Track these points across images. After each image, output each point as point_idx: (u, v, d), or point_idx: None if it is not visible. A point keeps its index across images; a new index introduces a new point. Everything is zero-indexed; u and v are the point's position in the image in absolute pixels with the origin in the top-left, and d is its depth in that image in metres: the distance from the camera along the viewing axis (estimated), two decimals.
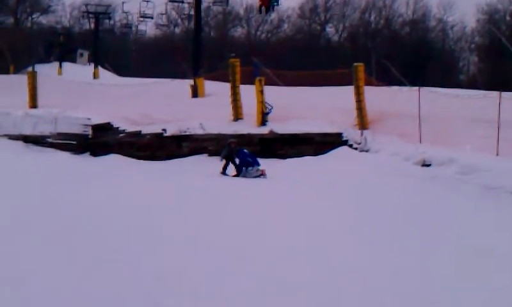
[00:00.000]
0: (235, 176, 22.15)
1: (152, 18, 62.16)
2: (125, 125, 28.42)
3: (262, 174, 21.82)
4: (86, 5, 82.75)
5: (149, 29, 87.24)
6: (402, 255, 11.24)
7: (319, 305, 8.67)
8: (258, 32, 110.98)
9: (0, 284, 8.86)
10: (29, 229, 12.12)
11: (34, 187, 17.48)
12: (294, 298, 8.84)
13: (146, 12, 59.78)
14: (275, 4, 35.32)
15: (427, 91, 27.18)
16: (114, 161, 25.51)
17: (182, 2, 52.90)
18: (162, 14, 63.42)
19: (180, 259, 10.50)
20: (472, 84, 69.95)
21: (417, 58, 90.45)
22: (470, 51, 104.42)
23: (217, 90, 35.90)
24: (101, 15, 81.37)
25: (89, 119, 28.00)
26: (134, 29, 74.53)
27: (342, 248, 11.57)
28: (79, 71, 70.72)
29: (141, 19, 62.09)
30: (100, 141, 27.46)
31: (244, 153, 22.58)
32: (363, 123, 27.64)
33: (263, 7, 35.61)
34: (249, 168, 22.09)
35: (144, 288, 8.95)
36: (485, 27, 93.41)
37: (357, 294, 9.10)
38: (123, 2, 64.67)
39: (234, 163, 22.48)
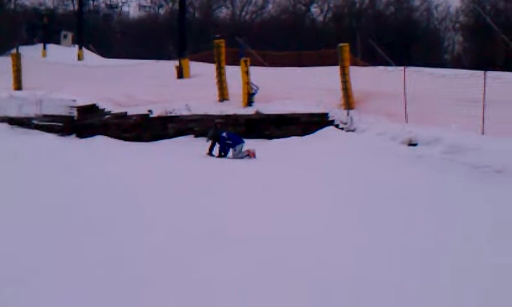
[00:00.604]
0: (219, 157, 22.19)
1: (116, 7, 61.63)
2: (111, 106, 28.36)
3: (251, 155, 21.83)
4: None
5: (132, 10, 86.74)
6: (389, 234, 11.30)
7: (311, 282, 8.73)
8: (243, 13, 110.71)
9: None
10: (15, 209, 12.12)
11: (22, 167, 17.49)
12: (288, 279, 8.89)
13: None
14: None
15: (412, 70, 27.21)
16: (100, 142, 25.42)
17: None
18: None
19: (163, 240, 10.52)
20: (456, 64, 70.14)
21: (402, 38, 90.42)
22: (455, 31, 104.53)
23: (202, 71, 35.81)
24: None
25: (74, 100, 27.90)
26: (118, 10, 74.19)
27: (333, 226, 11.63)
28: (63, 53, 70.30)
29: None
30: (86, 122, 27.35)
31: (222, 137, 22.52)
32: (348, 103, 27.64)
33: None
34: (236, 148, 22.11)
35: (129, 267, 8.97)
36: (469, 6, 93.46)
37: (351, 271, 9.16)
38: None
39: (220, 143, 22.52)
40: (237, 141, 22.38)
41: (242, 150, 22.16)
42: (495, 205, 14.34)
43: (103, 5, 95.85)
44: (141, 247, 10.08)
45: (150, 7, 70.66)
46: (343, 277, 8.95)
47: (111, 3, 67.09)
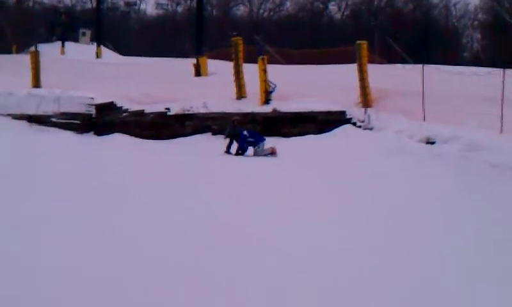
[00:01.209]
0: (236, 154, 22.18)
1: (135, 4, 61.78)
2: (128, 104, 28.40)
3: (273, 153, 21.86)
4: None
5: (150, 8, 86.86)
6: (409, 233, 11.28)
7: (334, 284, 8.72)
8: (261, 11, 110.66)
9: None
10: (35, 205, 12.17)
11: (40, 165, 17.55)
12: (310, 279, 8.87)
13: None
14: None
15: (430, 68, 27.10)
16: (118, 140, 25.51)
17: None
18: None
19: (181, 240, 10.52)
20: (475, 61, 69.82)
21: (420, 35, 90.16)
22: (473, 28, 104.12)
23: (220, 69, 35.83)
24: None
25: (92, 98, 27.96)
26: (136, 7, 74.28)
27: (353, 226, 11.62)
28: (81, 51, 70.53)
29: None
30: (104, 120, 27.42)
31: (243, 135, 22.54)
32: (366, 101, 27.57)
33: None
34: (257, 147, 22.12)
35: (141, 267, 8.99)
36: (488, 4, 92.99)
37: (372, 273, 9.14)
38: None
39: (238, 141, 22.50)
40: (258, 138, 22.40)
41: (265, 147, 22.20)
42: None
43: (121, 2, 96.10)
44: (157, 247, 10.08)
45: (166, 5, 70.68)
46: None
47: (129, 0, 67.01)
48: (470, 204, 13.86)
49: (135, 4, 67.38)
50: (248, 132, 22.53)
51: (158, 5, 69.09)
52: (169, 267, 9.05)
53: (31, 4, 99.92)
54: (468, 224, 12.21)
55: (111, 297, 7.93)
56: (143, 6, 74.61)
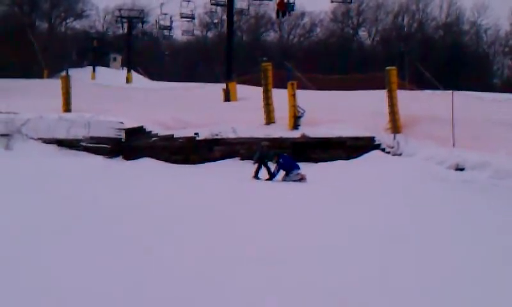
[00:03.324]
0: (267, 179, 22.06)
1: (193, 18, 62.23)
2: (158, 128, 28.54)
3: (302, 179, 21.72)
4: (120, 10, 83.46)
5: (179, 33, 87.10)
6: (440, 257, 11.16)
7: None
8: (291, 36, 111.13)
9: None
10: (62, 226, 12.20)
11: (69, 188, 17.61)
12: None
13: (185, 12, 59.50)
14: (290, 10, 43.88)
15: (460, 94, 26.99)
16: (147, 165, 25.56)
17: (220, 5, 52.28)
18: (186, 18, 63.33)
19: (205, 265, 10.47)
20: (506, 88, 69.46)
21: (451, 62, 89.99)
22: (504, 54, 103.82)
23: (249, 94, 35.94)
24: (134, 19, 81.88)
25: (121, 123, 28.10)
26: (167, 32, 74.55)
27: (382, 253, 11.52)
28: (112, 76, 71.28)
29: (182, 19, 62.07)
30: (133, 144, 27.54)
31: (285, 157, 22.47)
32: (395, 126, 27.48)
33: (280, 12, 43.84)
34: (291, 172, 21.98)
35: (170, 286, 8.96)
36: None
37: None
38: (161, 4, 64.51)
39: (267, 166, 22.38)
40: (294, 165, 22.21)
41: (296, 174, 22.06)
42: None
43: (153, 28, 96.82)
44: (182, 268, 10.05)
45: (192, 32, 70.88)
46: None
47: (160, 26, 67.21)
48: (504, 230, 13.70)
49: (170, 28, 67.52)
50: (283, 158, 22.32)
51: (184, 32, 69.26)
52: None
53: (63, 29, 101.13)
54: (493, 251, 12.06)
55: None
56: (174, 31, 75.34)
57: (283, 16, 45.42)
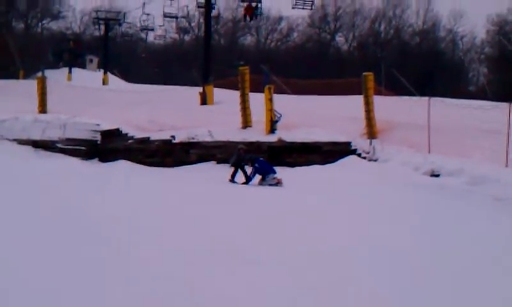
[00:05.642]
0: (244, 183, 22.01)
1: (177, 17, 62.86)
2: (134, 131, 28.45)
3: (279, 183, 21.68)
4: (97, 11, 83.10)
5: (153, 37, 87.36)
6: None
7: None
8: (268, 41, 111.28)
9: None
10: (37, 231, 12.10)
11: (45, 190, 17.47)
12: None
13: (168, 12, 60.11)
14: (257, 14, 44.53)
15: (436, 101, 27.13)
16: (123, 167, 25.44)
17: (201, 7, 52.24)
18: (160, 26, 64.47)
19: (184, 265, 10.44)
20: (481, 95, 69.97)
21: (427, 68, 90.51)
22: (480, 62, 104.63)
23: (226, 98, 35.95)
24: (111, 21, 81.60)
25: (98, 125, 28.01)
26: (146, 33, 74.60)
27: (353, 255, 11.54)
28: (88, 77, 70.98)
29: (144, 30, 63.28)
30: (109, 147, 27.44)
31: (261, 161, 22.42)
32: (372, 132, 27.60)
33: (247, 16, 44.21)
34: (267, 176, 21.92)
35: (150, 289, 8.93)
36: (495, 38, 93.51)
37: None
38: (144, 3, 64.46)
39: (243, 170, 22.33)
40: (270, 169, 22.16)
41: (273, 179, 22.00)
42: None
43: (129, 31, 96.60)
44: (156, 268, 10.02)
45: (164, 38, 71.13)
46: None
47: (142, 26, 67.00)
48: (479, 235, 13.75)
49: (152, 29, 67.50)
50: (259, 163, 22.25)
51: (157, 36, 69.65)
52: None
53: (39, 30, 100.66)
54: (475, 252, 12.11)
55: None
56: (143, 35, 75.64)
57: (250, 20, 46.15)
